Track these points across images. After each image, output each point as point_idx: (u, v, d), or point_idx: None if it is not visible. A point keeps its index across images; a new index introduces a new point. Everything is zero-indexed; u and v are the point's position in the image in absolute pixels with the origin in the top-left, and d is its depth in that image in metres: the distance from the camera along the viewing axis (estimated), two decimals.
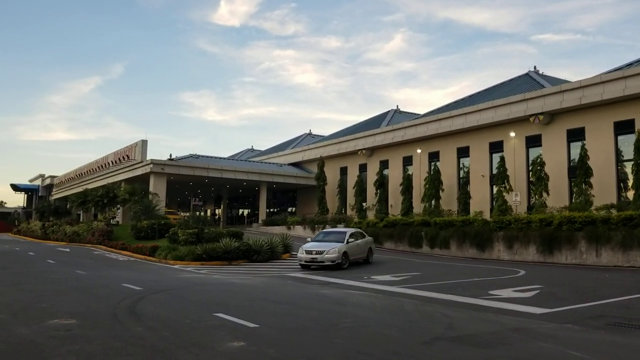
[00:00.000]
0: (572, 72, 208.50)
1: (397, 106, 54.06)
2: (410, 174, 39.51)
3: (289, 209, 55.96)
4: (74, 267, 21.06)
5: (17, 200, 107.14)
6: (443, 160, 37.81)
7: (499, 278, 17.35)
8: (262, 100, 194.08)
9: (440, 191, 35.91)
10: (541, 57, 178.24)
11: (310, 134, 67.02)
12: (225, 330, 8.29)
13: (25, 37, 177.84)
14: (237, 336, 7.85)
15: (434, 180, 35.99)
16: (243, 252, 23.81)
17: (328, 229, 27.07)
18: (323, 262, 20.08)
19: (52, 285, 14.49)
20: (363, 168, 45.25)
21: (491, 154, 35.38)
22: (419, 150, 39.20)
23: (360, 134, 45.92)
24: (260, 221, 47.55)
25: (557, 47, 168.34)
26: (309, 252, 20.57)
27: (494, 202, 33.01)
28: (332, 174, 47.31)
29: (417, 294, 13.52)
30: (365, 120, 53.66)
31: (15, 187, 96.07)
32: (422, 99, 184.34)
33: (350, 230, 23.09)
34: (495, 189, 33.43)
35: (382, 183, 41.49)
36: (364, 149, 44.34)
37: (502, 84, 41.81)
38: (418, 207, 37.35)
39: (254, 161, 56.22)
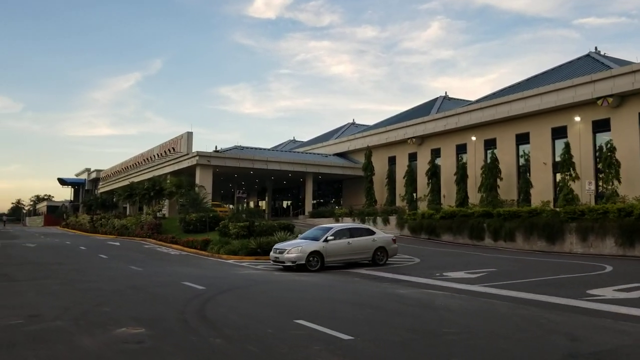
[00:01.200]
0: (619, 56, 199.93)
1: (446, 92, 52.04)
2: (465, 162, 37.72)
3: (334, 201, 54.81)
4: (128, 263, 20.38)
5: (64, 194, 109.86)
6: (501, 148, 35.87)
7: (587, 275, 15.72)
8: (298, 92, 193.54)
9: (499, 180, 34.06)
10: (584, 42, 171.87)
11: (354, 123, 65.59)
12: (317, 343, 7.13)
13: (68, 37, 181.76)
14: (334, 352, 6.67)
15: (492, 169, 34.16)
16: None
17: (325, 225, 21.99)
18: (283, 262, 17.70)
19: (109, 284, 13.68)
20: (413, 157, 43.63)
21: (553, 140, 33.32)
22: (473, 138, 37.36)
23: (410, 122, 44.23)
24: (306, 213, 46.48)
25: (601, 31, 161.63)
26: (275, 250, 18.43)
27: (558, 191, 31.04)
28: (379, 163, 45.86)
29: (504, 294, 12.13)
30: (413, 108, 51.87)
31: (63, 181, 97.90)
32: (460, 87, 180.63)
33: (338, 227, 19.50)
34: (558, 177, 31.47)
35: (434, 173, 39.81)
36: (413, 137, 42.70)
37: (560, 66, 39.47)
38: (474, 197, 35.58)
39: (298, 152, 55.20)
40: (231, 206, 53.29)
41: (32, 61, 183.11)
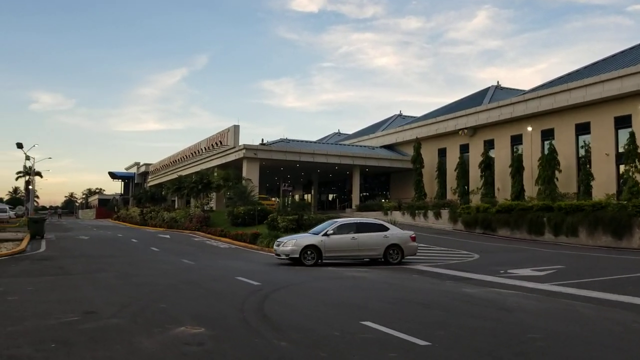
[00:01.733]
0: None
1: (498, 82, 50.20)
2: (520, 154, 36.21)
3: (381, 194, 53.92)
4: (180, 256, 20.25)
5: (114, 188, 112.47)
6: (559, 138, 34.22)
7: None
8: (341, 85, 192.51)
9: (557, 172, 32.49)
10: (638, 29, 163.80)
11: (400, 115, 64.31)
12: (390, 348, 6.49)
13: (117, 34, 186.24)
14: None
15: (550, 161, 32.61)
16: None
17: (337, 219, 20.72)
18: (279, 255, 17.47)
19: (164, 278, 13.41)
20: (464, 149, 42.29)
21: (617, 129, 31.53)
22: (529, 128, 35.78)
23: (461, 113, 42.84)
24: (353, 206, 45.77)
25: None
26: (277, 243, 18.05)
27: (622, 184, 29.34)
28: (429, 156, 44.68)
29: (582, 294, 11.19)
30: (463, 99, 50.29)
31: (113, 175, 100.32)
32: (508, 78, 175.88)
33: (343, 221, 18.90)
34: (622, 168, 29.76)
35: (487, 165, 38.38)
36: (465, 128, 41.33)
37: (622, 52, 37.31)
38: (530, 190, 34.11)
39: (344, 144, 54.49)
40: (277, 199, 53.24)
41: (84, 59, 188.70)
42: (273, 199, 48.99)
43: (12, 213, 77.07)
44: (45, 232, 30.52)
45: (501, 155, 38.44)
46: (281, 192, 49.51)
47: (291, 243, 17.36)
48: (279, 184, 59.19)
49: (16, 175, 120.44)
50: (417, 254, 18.35)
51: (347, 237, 17.46)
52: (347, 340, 6.91)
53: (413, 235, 18.22)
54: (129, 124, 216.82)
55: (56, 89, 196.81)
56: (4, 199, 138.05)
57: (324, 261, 17.20)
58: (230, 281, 12.95)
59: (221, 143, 46.90)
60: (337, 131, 76.67)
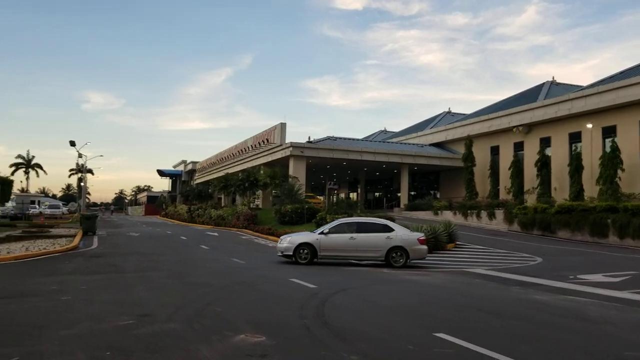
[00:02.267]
0: None
1: (553, 77, 48.29)
2: (579, 152, 34.51)
3: (431, 193, 52.71)
4: (229, 254, 20.00)
5: (162, 185, 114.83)
6: (622, 136, 32.42)
7: None
8: (385, 82, 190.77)
9: (620, 171, 30.76)
10: None
11: (449, 112, 62.84)
12: None
13: (163, 35, 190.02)
14: None
15: (612, 159, 30.91)
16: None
17: (346, 219, 20.10)
18: (277, 252, 17.48)
19: (216, 279, 13.04)
20: (519, 147, 40.74)
21: None
22: (589, 125, 34.05)
23: (515, 109, 41.29)
24: (401, 205, 44.82)
25: None
26: (280, 240, 18.04)
27: None
28: (480, 154, 43.30)
29: None
30: (516, 95, 48.57)
31: (161, 173, 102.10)
32: (559, 74, 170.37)
33: (343, 220, 18.37)
34: None
35: (544, 163, 36.76)
36: (520, 125, 39.79)
37: None
38: (590, 190, 32.44)
39: (392, 142, 53.52)
40: (323, 198, 52.82)
41: (132, 59, 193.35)
42: (319, 197, 48.47)
43: (65, 209, 79.59)
44: (97, 228, 30.96)
45: (558, 154, 36.78)
46: (327, 190, 49.05)
47: (287, 240, 17.28)
48: (325, 183, 58.80)
49: (69, 173, 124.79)
50: (471, 258, 17.51)
51: (345, 236, 16.90)
52: (423, 356, 6.26)
53: (422, 238, 17.15)
54: (176, 122, 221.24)
55: (107, 89, 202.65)
56: (58, 196, 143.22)
57: (319, 260, 16.92)
58: (285, 282, 12.47)
59: (268, 141, 46.74)
60: (383, 129, 75.63)
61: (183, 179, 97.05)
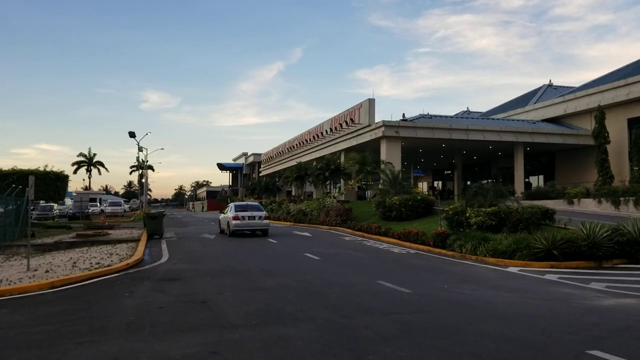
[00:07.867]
0: None
1: None
2: None
3: (543, 177, 44.58)
4: (363, 271, 13.27)
5: (220, 180, 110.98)
6: None
7: None
8: (438, 70, 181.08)
9: None
10: None
11: (550, 85, 54.28)
12: None
13: (216, 34, 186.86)
14: None
15: None
16: (620, 245, 14.20)
17: None
18: None
19: (405, 341, 6.24)
20: None
21: None
22: None
23: None
24: (519, 193, 36.96)
25: None
26: None
27: None
28: (614, 128, 35.06)
29: None
30: None
31: (222, 166, 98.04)
32: (621, 55, 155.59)
33: None
34: None
35: None
36: None
37: None
38: None
39: (498, 119, 45.50)
40: (420, 188, 45.77)
41: (187, 58, 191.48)
42: (419, 187, 41.35)
43: (126, 206, 75.95)
44: (164, 230, 25.17)
45: None
46: (411, 179, 41.88)
47: None
48: (410, 168, 51.49)
49: (130, 170, 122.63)
50: None
51: None
52: None
53: None
54: (230, 118, 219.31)
55: (163, 89, 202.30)
56: (120, 193, 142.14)
57: None
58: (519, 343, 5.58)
59: (352, 121, 39.80)
60: (466, 109, 67.45)
61: (244, 172, 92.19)
